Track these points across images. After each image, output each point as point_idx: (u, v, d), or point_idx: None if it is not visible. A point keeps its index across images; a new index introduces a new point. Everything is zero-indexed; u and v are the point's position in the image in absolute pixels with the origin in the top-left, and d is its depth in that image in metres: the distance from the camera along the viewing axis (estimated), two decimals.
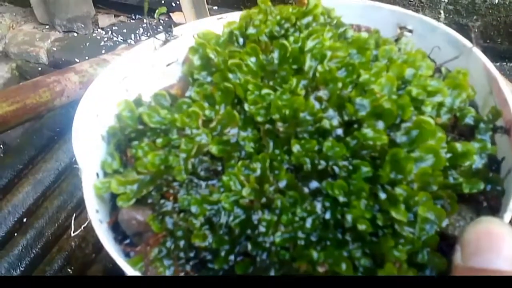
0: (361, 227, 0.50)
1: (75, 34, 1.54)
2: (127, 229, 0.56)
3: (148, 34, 1.46)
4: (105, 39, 1.51)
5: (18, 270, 0.86)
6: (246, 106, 0.61)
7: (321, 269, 0.49)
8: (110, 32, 1.54)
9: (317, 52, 0.60)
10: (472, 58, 0.62)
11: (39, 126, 1.13)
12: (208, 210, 0.55)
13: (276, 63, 0.63)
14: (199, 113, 0.62)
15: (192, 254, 0.55)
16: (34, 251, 0.89)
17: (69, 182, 1.03)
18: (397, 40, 0.68)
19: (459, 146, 0.53)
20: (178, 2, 1.38)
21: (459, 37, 0.64)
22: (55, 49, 1.49)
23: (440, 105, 0.57)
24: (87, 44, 1.49)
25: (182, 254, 0.54)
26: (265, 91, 0.60)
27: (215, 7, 1.50)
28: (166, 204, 0.56)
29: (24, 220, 0.95)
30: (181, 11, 1.44)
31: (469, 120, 0.56)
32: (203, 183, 0.59)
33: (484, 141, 0.54)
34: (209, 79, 0.67)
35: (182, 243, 0.55)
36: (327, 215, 0.53)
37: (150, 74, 0.73)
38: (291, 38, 0.65)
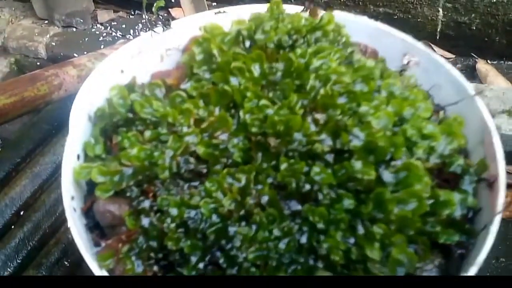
0: (335, 258, 0.53)
1: (74, 29, 1.57)
2: (100, 220, 0.58)
3: (147, 29, 1.47)
4: (104, 34, 1.54)
5: (15, 262, 0.89)
6: (241, 113, 0.62)
7: None
8: (109, 27, 1.57)
9: (322, 73, 0.62)
10: (471, 105, 0.64)
11: (36, 119, 1.14)
12: (185, 214, 0.57)
13: (279, 75, 0.64)
14: (192, 111, 0.63)
15: (162, 255, 0.56)
16: (31, 243, 0.91)
17: None
18: (401, 72, 0.70)
19: (442, 194, 0.56)
20: None
21: (463, 81, 0.66)
22: (54, 44, 1.51)
23: (431, 149, 0.59)
24: (86, 39, 1.52)
25: (152, 254, 0.56)
26: (263, 102, 0.62)
27: (214, 3, 1.52)
28: (144, 201, 0.57)
29: (21, 213, 0.97)
30: (180, 6, 1.46)
31: (456, 169, 0.59)
32: (184, 184, 0.60)
33: (467, 193, 0.57)
34: (207, 76, 0.67)
35: (154, 243, 0.56)
36: (303, 239, 0.56)
37: (149, 56, 0.73)
38: (298, 51, 0.66)
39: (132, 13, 1.63)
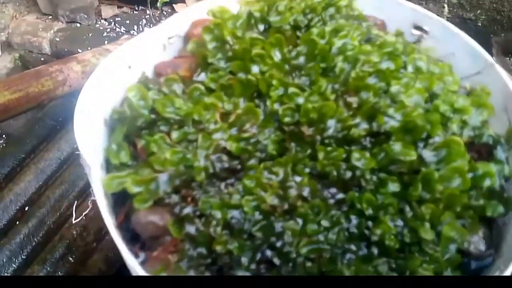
0: (389, 243, 0.53)
1: (78, 25, 1.59)
2: (142, 232, 0.55)
3: (151, 25, 1.53)
4: (108, 29, 1.55)
5: (20, 258, 0.90)
6: (268, 103, 0.60)
7: None
8: (113, 23, 1.59)
9: (350, 54, 0.60)
10: (491, 72, 0.65)
11: (41, 115, 1.16)
12: (229, 215, 0.55)
13: (302, 59, 0.62)
14: (218, 105, 0.60)
15: (211, 260, 0.55)
16: (35, 239, 0.93)
17: (71, 172, 1.04)
18: (416, 44, 0.70)
19: (480, 167, 0.57)
20: None
21: (479, 48, 0.67)
22: (58, 39, 1.52)
23: (464, 123, 0.60)
24: (90, 34, 1.53)
25: (202, 261, 0.54)
26: (292, 90, 0.60)
27: None
28: (185, 207, 0.55)
29: (26, 208, 0.99)
30: (185, 2, 1.50)
31: (487, 139, 0.61)
32: (220, 184, 0.58)
33: (502, 163, 0.59)
34: (224, 65, 0.64)
35: (202, 249, 0.54)
36: (352, 228, 0.56)
37: (151, 47, 0.68)
38: (315, 30, 0.64)
39: (136, 8, 1.64)
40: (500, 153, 0.60)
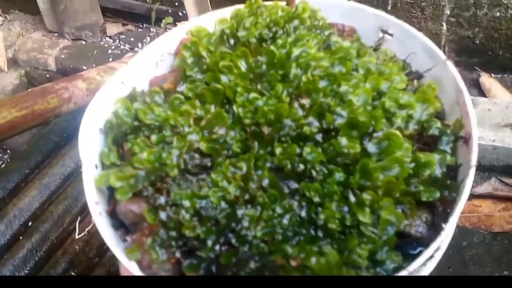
0: (332, 226, 0.61)
1: (83, 42, 1.63)
2: (124, 219, 0.66)
3: None
4: (113, 47, 1.60)
5: (23, 272, 0.93)
6: (234, 108, 0.70)
7: (293, 263, 0.60)
8: (117, 40, 1.64)
9: (302, 61, 0.69)
10: (445, 69, 0.71)
11: (46, 132, 1.19)
12: (197, 204, 0.65)
13: (264, 68, 0.71)
14: (191, 112, 0.71)
15: (182, 243, 0.65)
16: (38, 254, 0.96)
17: (74, 187, 1.09)
18: (377, 47, 0.77)
19: (422, 156, 0.63)
20: (184, 12, 1.45)
21: (434, 47, 0.72)
22: (63, 56, 1.57)
23: (409, 117, 0.66)
24: (95, 52, 1.57)
25: (173, 243, 0.65)
26: (252, 95, 0.69)
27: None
28: (159, 198, 0.66)
29: (30, 223, 1.01)
30: (188, 20, 1.49)
31: (434, 131, 0.66)
32: (193, 178, 0.68)
33: (445, 153, 0.64)
34: (200, 76, 0.75)
35: (173, 233, 0.65)
36: (303, 213, 0.64)
37: (146, 64, 0.80)
38: (279, 42, 0.73)
39: (141, 26, 1.70)
40: (444, 143, 0.65)
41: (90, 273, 0.98)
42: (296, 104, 0.68)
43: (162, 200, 0.66)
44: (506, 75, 1.37)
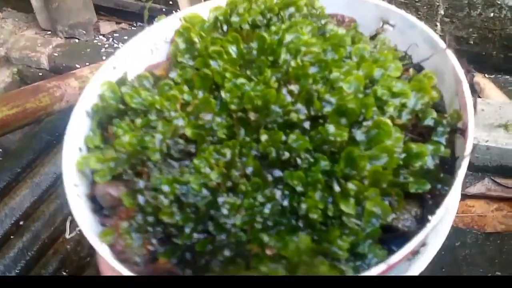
0: (313, 216, 0.58)
1: (77, 40, 1.62)
2: (102, 202, 0.65)
3: None
4: (106, 45, 1.59)
5: (14, 272, 0.92)
6: (222, 93, 0.68)
7: (269, 252, 0.57)
8: (111, 38, 1.62)
9: (292, 46, 0.66)
10: (445, 59, 0.67)
11: (38, 130, 1.18)
12: (177, 190, 0.63)
13: (255, 54, 0.69)
14: (178, 96, 0.69)
15: (159, 229, 0.63)
16: (29, 253, 0.95)
17: None
18: (375, 36, 0.74)
19: (414, 147, 0.60)
20: (179, 10, 1.46)
21: (435, 37, 0.69)
22: (56, 54, 1.56)
23: (403, 106, 0.63)
24: (88, 50, 1.57)
25: (150, 229, 0.63)
26: (240, 80, 0.67)
27: None
28: (139, 182, 0.64)
29: (21, 223, 1.00)
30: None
31: (429, 122, 0.63)
32: (176, 164, 0.67)
33: (439, 144, 0.61)
34: (191, 62, 0.73)
35: (151, 218, 0.63)
36: (285, 203, 0.61)
37: (141, 52, 0.80)
38: (273, 28, 0.71)
39: (134, 24, 1.69)
40: (438, 134, 0.62)
41: (81, 272, 0.97)
42: (284, 90, 0.66)
43: (141, 184, 0.64)
44: (500, 76, 1.36)
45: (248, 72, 0.69)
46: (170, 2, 1.62)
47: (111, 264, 0.57)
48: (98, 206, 0.68)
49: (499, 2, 1.22)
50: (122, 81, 0.73)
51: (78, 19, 1.61)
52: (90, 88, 0.72)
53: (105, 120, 0.70)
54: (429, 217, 0.54)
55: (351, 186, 0.58)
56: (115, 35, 1.65)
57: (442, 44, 0.68)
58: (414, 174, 0.59)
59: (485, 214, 1.09)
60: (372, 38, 0.74)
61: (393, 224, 0.58)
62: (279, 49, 0.68)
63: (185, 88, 0.70)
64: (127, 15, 1.69)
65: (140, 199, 0.63)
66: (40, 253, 0.96)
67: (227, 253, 0.59)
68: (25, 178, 1.08)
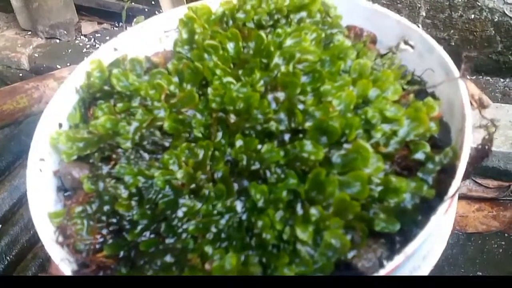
0: (266, 236, 0.54)
1: (58, 41, 1.62)
2: (64, 182, 0.64)
3: None
4: (88, 46, 1.59)
5: None
6: (209, 90, 0.65)
7: (207, 266, 0.53)
8: (93, 39, 1.62)
9: (287, 51, 0.62)
10: (456, 89, 0.61)
11: (17, 132, 1.16)
12: (140, 183, 0.61)
13: (251, 54, 0.66)
14: (164, 86, 0.67)
15: (113, 221, 0.61)
16: (8, 257, 0.94)
17: None
18: (386, 54, 0.68)
19: (394, 180, 0.54)
20: (161, 11, 1.45)
21: (451, 63, 0.63)
22: (37, 55, 1.56)
23: (393, 133, 0.57)
24: (69, 51, 1.56)
25: (103, 218, 0.61)
26: (227, 79, 0.64)
27: None
28: (103, 168, 0.63)
29: None
30: None
31: (420, 156, 0.57)
32: (147, 156, 0.65)
33: (423, 182, 0.54)
34: (189, 54, 0.71)
35: (106, 207, 0.61)
36: (244, 217, 0.57)
37: (148, 39, 0.79)
38: (279, 30, 0.68)
39: (117, 25, 1.68)
40: (426, 170, 0.55)
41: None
42: (270, 97, 0.62)
43: (105, 170, 0.63)
44: (481, 77, 1.38)
45: (240, 72, 0.66)
46: (153, 2, 1.60)
47: (44, 245, 0.55)
48: (60, 184, 0.67)
49: (479, 4, 1.22)
50: (117, 63, 0.73)
51: (59, 19, 1.60)
52: (86, 64, 0.72)
53: (90, 99, 0.70)
54: (385, 263, 0.48)
55: (313, 211, 0.53)
56: (97, 35, 1.64)
57: (456, 72, 0.61)
58: (386, 210, 0.53)
59: (466, 215, 1.11)
60: (382, 55, 0.68)
61: (352, 262, 0.53)
62: (274, 52, 0.64)
63: (175, 79, 0.68)
64: (109, 15, 1.68)
65: (100, 185, 0.62)
66: (19, 257, 0.95)
67: (167, 258, 0.56)
68: (4, 181, 1.07)
